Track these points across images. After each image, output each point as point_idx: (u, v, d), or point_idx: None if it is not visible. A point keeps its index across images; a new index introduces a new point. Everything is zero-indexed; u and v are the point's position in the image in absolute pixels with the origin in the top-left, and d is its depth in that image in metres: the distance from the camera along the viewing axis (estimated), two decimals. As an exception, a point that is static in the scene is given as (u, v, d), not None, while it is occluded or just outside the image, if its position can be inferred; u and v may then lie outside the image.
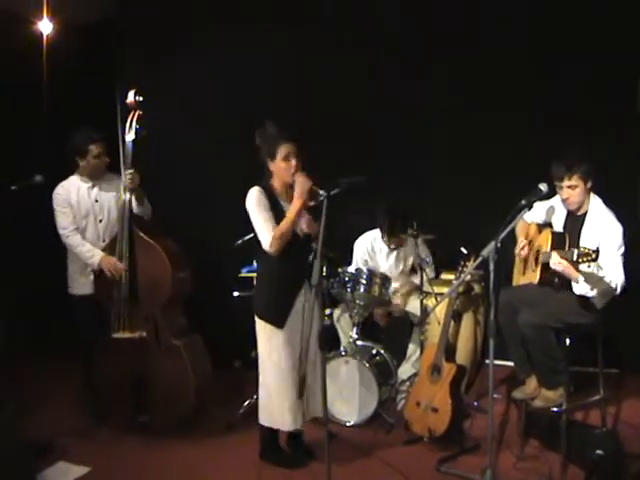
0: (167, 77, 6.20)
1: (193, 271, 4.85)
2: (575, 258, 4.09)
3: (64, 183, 4.83)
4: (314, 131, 5.84)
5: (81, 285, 4.87)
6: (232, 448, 4.51)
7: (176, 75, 6.20)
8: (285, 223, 3.91)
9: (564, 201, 4.53)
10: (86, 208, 4.83)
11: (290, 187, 4.02)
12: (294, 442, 4.34)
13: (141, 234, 4.65)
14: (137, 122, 4.71)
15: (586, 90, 5.24)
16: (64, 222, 4.76)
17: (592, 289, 4.28)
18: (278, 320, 4.03)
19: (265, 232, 3.93)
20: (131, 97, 4.71)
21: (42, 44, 5.97)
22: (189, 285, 4.83)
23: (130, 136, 4.68)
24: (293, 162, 3.93)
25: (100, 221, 4.87)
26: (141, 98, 4.71)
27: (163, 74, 6.19)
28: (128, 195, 4.62)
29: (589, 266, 4.09)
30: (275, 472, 4.18)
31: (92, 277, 4.80)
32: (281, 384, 4.06)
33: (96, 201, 4.86)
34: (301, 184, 3.87)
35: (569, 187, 4.43)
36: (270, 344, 4.06)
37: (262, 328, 4.08)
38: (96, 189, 4.87)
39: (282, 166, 3.94)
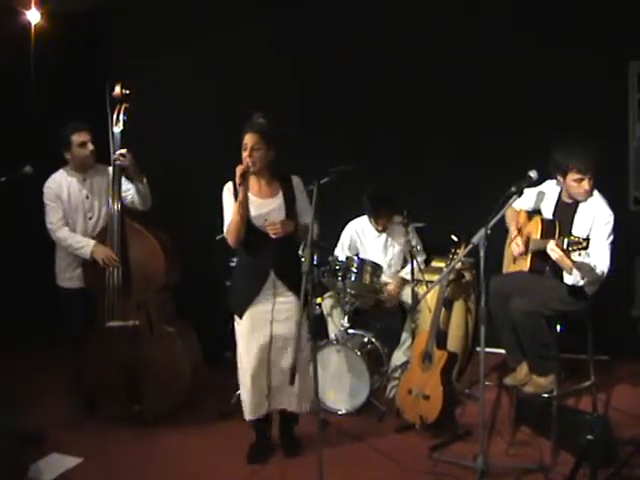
0: (155, 67, 6.18)
1: (184, 260, 4.87)
2: (566, 246, 4.10)
3: (55, 176, 4.78)
4: (302, 121, 5.88)
5: (68, 278, 4.83)
6: (225, 438, 4.52)
7: (164, 65, 6.17)
8: (232, 216, 3.97)
9: (580, 194, 4.46)
10: (76, 204, 4.76)
11: (263, 178, 4.08)
12: (282, 432, 4.36)
13: (133, 223, 4.66)
14: (124, 114, 4.71)
15: (575, 73, 5.22)
16: (52, 217, 4.71)
17: (583, 278, 4.30)
18: (238, 310, 4.10)
19: (225, 225, 4.03)
20: (117, 90, 4.72)
21: (30, 34, 5.91)
22: (179, 273, 4.85)
23: (118, 128, 4.69)
24: (246, 152, 3.95)
25: (90, 218, 4.80)
26: (127, 91, 4.71)
27: (151, 63, 6.16)
28: (117, 200, 4.63)
29: (580, 254, 4.10)
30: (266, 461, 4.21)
31: (80, 270, 4.76)
32: (243, 373, 4.15)
33: (87, 197, 4.80)
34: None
35: (590, 179, 4.40)
36: (238, 333, 4.16)
37: (236, 325, 4.17)
38: (87, 184, 4.80)
39: (243, 156, 3.97)
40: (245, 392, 4.14)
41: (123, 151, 4.60)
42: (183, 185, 5.90)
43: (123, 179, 4.72)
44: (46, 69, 6.01)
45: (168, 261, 4.65)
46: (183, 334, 4.78)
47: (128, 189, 4.74)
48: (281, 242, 3.98)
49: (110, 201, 4.68)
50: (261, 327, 4.06)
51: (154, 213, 4.89)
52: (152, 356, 4.65)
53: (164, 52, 6.21)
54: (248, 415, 4.16)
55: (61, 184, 4.75)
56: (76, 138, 4.70)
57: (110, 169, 4.75)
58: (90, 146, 4.75)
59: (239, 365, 4.18)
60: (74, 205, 4.76)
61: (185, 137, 6.08)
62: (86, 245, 4.65)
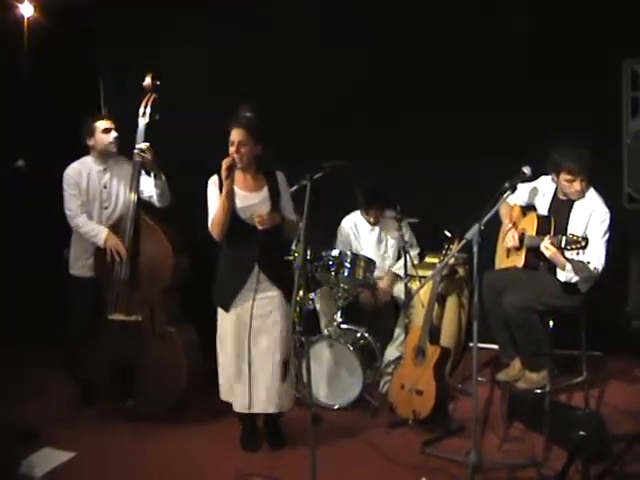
0: (150, 59, 6.13)
1: (197, 260, 4.82)
2: (563, 245, 4.12)
3: (75, 164, 4.76)
4: (297, 116, 5.85)
5: (80, 267, 4.83)
6: (219, 434, 4.50)
7: (159, 56, 6.13)
8: (217, 209, 3.99)
9: (571, 193, 4.51)
10: (93, 193, 4.76)
11: (249, 172, 4.09)
12: (266, 426, 4.36)
13: (146, 218, 4.65)
14: (152, 106, 4.71)
15: (569, 72, 5.22)
16: (71, 204, 4.70)
17: (576, 275, 4.31)
18: (224, 303, 4.12)
19: (209, 218, 4.05)
20: (148, 80, 4.72)
21: (23, 27, 5.88)
22: (187, 273, 4.82)
23: (143, 120, 4.69)
24: (232, 148, 3.97)
25: (106, 208, 4.79)
26: (158, 82, 4.71)
27: (146, 56, 6.12)
28: (133, 195, 4.62)
29: (577, 253, 4.12)
30: (259, 456, 4.21)
31: (91, 261, 4.75)
32: (224, 365, 4.18)
33: (105, 187, 4.79)
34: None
35: (582, 181, 4.44)
36: (220, 326, 4.18)
37: (218, 310, 4.18)
38: (107, 174, 4.78)
39: (230, 151, 3.99)
40: (225, 380, 4.20)
41: (144, 146, 4.59)
42: (194, 185, 5.88)
43: (143, 173, 4.70)
44: (40, 63, 5.98)
45: (176, 261, 4.63)
46: (184, 336, 4.74)
47: (147, 184, 4.73)
48: (266, 236, 3.99)
49: (127, 193, 4.69)
50: (242, 323, 4.08)
51: (170, 213, 4.87)
52: (150, 353, 4.63)
53: (159, 42, 6.19)
54: (229, 400, 4.23)
55: (81, 172, 4.74)
56: (100, 124, 4.71)
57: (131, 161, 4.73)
58: (114, 133, 4.75)
59: (220, 355, 4.20)
60: (92, 194, 4.76)
61: (197, 136, 6.04)
62: (100, 232, 4.65)
